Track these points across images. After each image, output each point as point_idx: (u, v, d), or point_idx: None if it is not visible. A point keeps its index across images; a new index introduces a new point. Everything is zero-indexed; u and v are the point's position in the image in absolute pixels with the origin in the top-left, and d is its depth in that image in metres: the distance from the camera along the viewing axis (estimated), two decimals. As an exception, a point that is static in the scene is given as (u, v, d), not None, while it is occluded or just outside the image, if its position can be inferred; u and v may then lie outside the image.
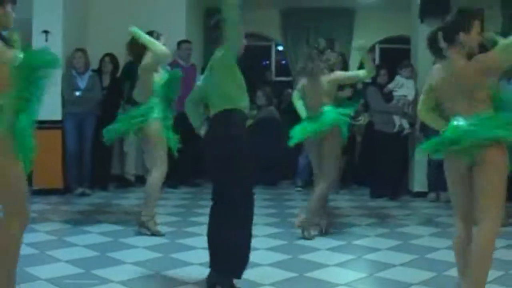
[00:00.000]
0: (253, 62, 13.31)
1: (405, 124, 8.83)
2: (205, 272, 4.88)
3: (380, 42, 13.12)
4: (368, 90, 9.27)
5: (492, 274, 4.50)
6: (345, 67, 9.02)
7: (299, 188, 9.60)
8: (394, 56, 10.69)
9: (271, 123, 9.54)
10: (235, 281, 4.69)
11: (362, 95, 9.16)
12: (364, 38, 12.93)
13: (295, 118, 7.15)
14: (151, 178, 6.56)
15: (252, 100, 10.38)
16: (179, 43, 9.81)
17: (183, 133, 6.86)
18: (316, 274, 5.16)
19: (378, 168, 8.89)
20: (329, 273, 5.20)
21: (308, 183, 9.14)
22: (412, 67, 9.19)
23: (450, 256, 5.27)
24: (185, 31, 10.18)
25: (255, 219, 6.00)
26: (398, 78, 9.05)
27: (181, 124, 6.73)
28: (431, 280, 5.06)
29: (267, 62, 13.65)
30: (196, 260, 5.48)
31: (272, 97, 10.31)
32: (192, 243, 6.09)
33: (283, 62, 13.33)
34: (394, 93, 8.96)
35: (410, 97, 8.88)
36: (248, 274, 4.98)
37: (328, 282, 4.94)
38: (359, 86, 9.37)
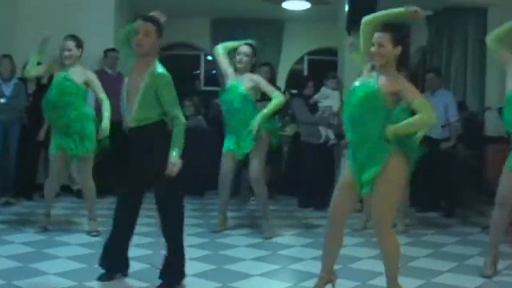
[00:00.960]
0: (182, 72, 13.32)
1: (331, 135, 8.91)
2: (131, 282, 4.87)
3: (309, 53, 13.26)
4: (294, 101, 9.33)
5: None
6: (272, 77, 9.09)
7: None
8: (322, 68, 10.79)
9: (199, 132, 9.52)
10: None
11: (289, 106, 9.23)
12: (293, 49, 13.18)
13: (222, 128, 7.19)
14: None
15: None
16: (106, 52, 9.72)
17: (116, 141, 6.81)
18: (240, 284, 5.16)
19: (305, 178, 8.95)
20: (253, 283, 5.21)
21: (236, 194, 9.20)
22: (338, 78, 9.29)
23: (375, 265, 5.40)
24: (113, 39, 10.09)
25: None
26: (323, 89, 9.13)
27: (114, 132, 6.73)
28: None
29: (197, 71, 13.67)
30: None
31: (200, 106, 10.31)
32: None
33: (213, 71, 13.36)
34: (320, 104, 9.03)
35: (335, 108, 8.95)
36: (172, 284, 5.03)
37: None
38: (287, 97, 9.42)
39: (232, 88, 6.92)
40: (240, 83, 6.93)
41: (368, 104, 4.36)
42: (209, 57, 13.31)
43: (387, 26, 4.49)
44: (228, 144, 7.04)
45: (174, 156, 4.76)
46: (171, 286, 4.96)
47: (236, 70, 7.03)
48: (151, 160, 4.86)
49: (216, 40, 12.76)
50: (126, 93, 4.89)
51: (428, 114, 4.35)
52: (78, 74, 6.73)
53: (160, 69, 4.89)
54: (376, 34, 4.43)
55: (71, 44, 6.73)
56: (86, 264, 5.63)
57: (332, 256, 4.79)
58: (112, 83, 8.88)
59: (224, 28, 12.93)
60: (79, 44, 6.82)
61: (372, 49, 4.41)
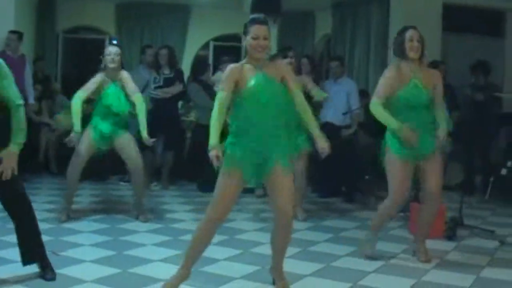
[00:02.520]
0: (88, 55, 13.10)
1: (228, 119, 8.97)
2: (27, 269, 4.80)
3: (214, 39, 13.25)
4: (190, 86, 9.36)
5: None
6: (171, 60, 9.09)
7: (125, 183, 9.52)
8: (227, 53, 10.77)
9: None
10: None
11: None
12: (198, 35, 13.14)
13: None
14: None
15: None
16: (8, 34, 9.49)
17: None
18: (140, 269, 5.15)
19: (207, 164, 8.91)
20: (153, 269, 5.20)
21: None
22: (231, 62, 9.35)
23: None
24: (14, 20, 9.86)
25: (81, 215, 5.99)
26: (218, 73, 9.20)
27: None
28: (255, 273, 5.19)
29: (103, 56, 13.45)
30: (17, 257, 5.30)
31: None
32: (14, 240, 5.90)
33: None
34: (215, 88, 9.08)
35: None
36: (71, 270, 4.96)
37: (151, 278, 4.93)
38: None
39: (113, 92, 6.92)
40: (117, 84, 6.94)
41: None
42: (114, 42, 13.11)
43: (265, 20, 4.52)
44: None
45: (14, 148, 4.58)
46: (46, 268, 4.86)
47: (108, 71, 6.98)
48: None
49: (121, 24, 12.69)
50: None
51: None
52: None
53: None
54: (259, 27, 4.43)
55: None
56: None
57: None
58: (13, 65, 8.68)
59: (129, 13, 12.79)
60: None
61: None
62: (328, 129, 8.53)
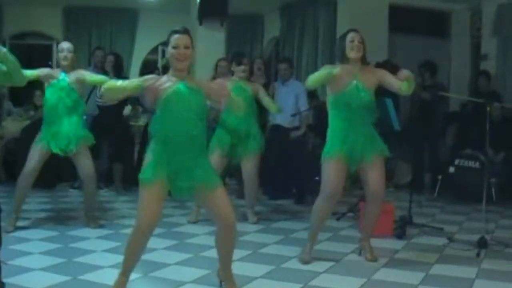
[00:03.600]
0: (35, 62, 12.97)
1: None
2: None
3: (163, 43, 13.21)
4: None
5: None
6: (118, 70, 9.04)
7: (74, 189, 9.44)
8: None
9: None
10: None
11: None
12: (147, 39, 13.10)
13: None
14: None
15: (31, 100, 10.13)
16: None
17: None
18: (90, 276, 5.10)
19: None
20: (103, 275, 5.15)
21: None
22: None
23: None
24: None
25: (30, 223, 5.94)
26: None
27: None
28: (205, 277, 5.18)
29: (50, 62, 13.37)
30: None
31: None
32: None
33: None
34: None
35: None
36: (20, 279, 4.91)
37: (101, 284, 4.89)
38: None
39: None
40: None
41: None
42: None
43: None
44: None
45: None
46: None
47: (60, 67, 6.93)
48: None
49: (68, 30, 12.59)
50: None
51: None
52: None
53: None
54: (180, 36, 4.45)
55: None
56: None
57: None
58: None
59: (77, 17, 12.72)
60: None
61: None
62: (277, 131, 8.59)
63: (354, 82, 5.41)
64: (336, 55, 5.69)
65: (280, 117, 8.60)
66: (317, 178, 9.26)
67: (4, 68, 4.73)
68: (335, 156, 5.45)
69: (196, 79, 4.66)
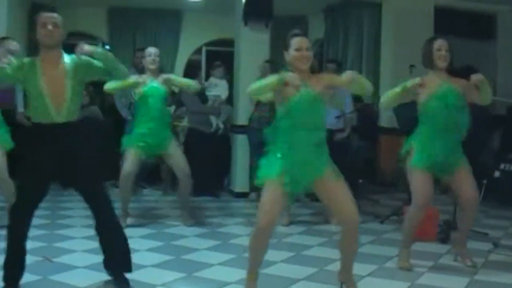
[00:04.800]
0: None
1: (220, 124, 9.03)
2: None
3: (207, 44, 13.25)
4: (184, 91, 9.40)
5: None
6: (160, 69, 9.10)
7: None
8: (219, 58, 10.77)
9: (93, 123, 9.38)
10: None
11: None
12: (191, 40, 13.14)
13: (119, 119, 7.09)
14: None
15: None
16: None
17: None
18: (134, 275, 5.08)
19: (198, 167, 8.94)
20: (147, 274, 5.18)
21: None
22: (223, 67, 9.46)
23: (269, 255, 5.47)
24: (6, 28, 9.83)
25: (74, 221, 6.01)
26: (211, 79, 9.27)
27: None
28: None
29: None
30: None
31: (95, 96, 10.15)
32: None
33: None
34: (208, 93, 9.13)
35: (224, 97, 9.15)
36: (64, 276, 5.05)
37: (145, 283, 4.92)
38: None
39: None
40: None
41: None
42: (107, 47, 13.14)
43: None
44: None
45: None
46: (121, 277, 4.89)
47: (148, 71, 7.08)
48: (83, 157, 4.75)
49: (113, 30, 12.68)
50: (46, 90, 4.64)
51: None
52: None
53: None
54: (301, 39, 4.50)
55: None
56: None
57: None
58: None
59: (121, 18, 12.79)
60: None
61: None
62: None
63: (445, 85, 5.35)
64: (422, 60, 5.58)
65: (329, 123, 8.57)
66: (360, 181, 9.28)
67: (100, 65, 4.80)
68: (423, 166, 5.40)
69: (317, 75, 4.61)
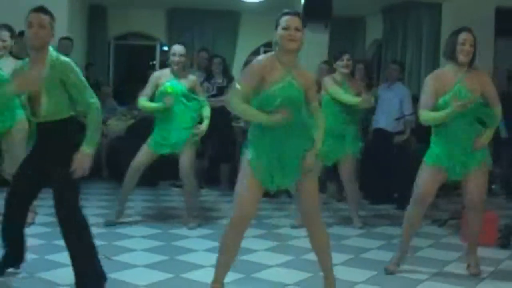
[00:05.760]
0: (139, 61, 13.26)
1: None
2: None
3: (265, 45, 13.26)
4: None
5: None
6: (226, 71, 9.15)
7: (176, 188, 9.60)
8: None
9: (151, 122, 9.46)
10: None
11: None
12: (249, 41, 13.18)
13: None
14: None
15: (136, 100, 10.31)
16: (59, 40, 9.61)
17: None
18: (192, 275, 5.16)
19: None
20: (205, 274, 5.18)
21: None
22: None
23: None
24: (67, 28, 9.99)
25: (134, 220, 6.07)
26: None
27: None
28: (306, 280, 5.16)
29: (153, 62, 13.63)
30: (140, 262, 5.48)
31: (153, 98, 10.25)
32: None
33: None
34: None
35: None
36: (124, 275, 5.04)
37: (203, 283, 4.92)
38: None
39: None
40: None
41: None
42: (165, 48, 13.25)
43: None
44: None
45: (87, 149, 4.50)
46: None
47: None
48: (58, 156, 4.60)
49: (171, 30, 12.78)
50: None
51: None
52: (9, 65, 6.42)
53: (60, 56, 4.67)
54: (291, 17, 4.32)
55: (6, 34, 6.58)
56: (38, 255, 5.56)
57: None
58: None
59: (180, 19, 12.89)
60: (13, 34, 6.66)
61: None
62: (380, 135, 8.51)
63: (457, 86, 5.22)
64: (443, 51, 5.48)
65: (384, 121, 8.53)
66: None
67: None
68: (434, 163, 5.33)
69: (303, 70, 4.48)
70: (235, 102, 4.25)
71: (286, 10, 4.37)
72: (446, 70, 5.35)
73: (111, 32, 12.99)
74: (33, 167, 4.67)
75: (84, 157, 4.45)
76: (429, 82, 5.33)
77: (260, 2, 11.31)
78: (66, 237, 4.53)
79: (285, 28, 4.26)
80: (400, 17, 11.72)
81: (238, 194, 4.33)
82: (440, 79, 5.30)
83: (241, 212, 4.32)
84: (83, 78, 4.67)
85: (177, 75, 6.96)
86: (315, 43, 9.26)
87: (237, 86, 4.30)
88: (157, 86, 6.95)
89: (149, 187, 9.39)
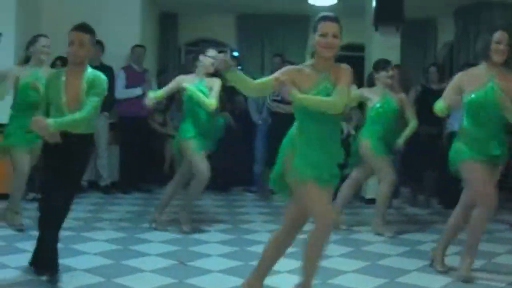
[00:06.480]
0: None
1: (351, 130, 9.02)
2: (158, 279, 4.92)
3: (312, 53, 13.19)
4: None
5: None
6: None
7: (250, 193, 9.66)
8: (348, 63, 10.71)
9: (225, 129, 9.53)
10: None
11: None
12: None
13: (250, 125, 7.15)
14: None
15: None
16: (133, 48, 9.76)
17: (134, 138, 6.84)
18: (268, 280, 5.11)
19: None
20: (281, 280, 5.19)
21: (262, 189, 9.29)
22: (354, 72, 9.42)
23: (402, 263, 5.40)
24: (139, 35, 10.13)
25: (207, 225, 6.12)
26: None
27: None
28: (383, 286, 5.11)
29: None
30: (148, 266, 5.47)
31: (226, 102, 10.30)
32: (144, 250, 6.06)
33: (238, 67, 13.35)
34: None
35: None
36: (200, 280, 5.06)
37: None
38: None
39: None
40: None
41: None
42: (235, 53, 13.30)
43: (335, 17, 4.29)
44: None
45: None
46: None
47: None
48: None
49: (241, 36, 12.82)
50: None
51: (337, 100, 4.17)
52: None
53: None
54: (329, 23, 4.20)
55: (48, 41, 6.71)
56: (114, 260, 5.64)
57: None
58: (137, 78, 9.06)
59: (250, 24, 12.94)
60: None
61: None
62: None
63: (490, 84, 5.12)
64: (476, 50, 5.40)
65: (458, 125, 8.39)
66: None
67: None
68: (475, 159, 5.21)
69: (340, 67, 4.32)
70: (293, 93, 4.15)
71: (324, 14, 4.26)
72: (478, 68, 5.28)
73: (182, 39, 13.11)
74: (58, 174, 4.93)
75: (44, 121, 4.69)
76: (456, 77, 5.36)
77: (331, 6, 11.26)
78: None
79: (322, 35, 4.16)
80: (472, 18, 11.51)
81: (320, 210, 4.18)
82: (469, 75, 5.27)
83: (332, 221, 4.26)
84: (104, 93, 5.05)
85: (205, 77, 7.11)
86: (386, 47, 9.17)
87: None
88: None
89: (221, 192, 9.45)
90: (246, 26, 12.99)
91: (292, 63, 9.54)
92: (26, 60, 6.66)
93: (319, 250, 4.29)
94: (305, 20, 12.86)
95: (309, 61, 4.33)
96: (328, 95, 4.15)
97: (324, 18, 4.21)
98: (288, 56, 11.41)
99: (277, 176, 4.40)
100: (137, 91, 9.17)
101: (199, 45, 13.64)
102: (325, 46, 4.15)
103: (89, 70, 5.02)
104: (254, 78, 4.32)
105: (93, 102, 4.90)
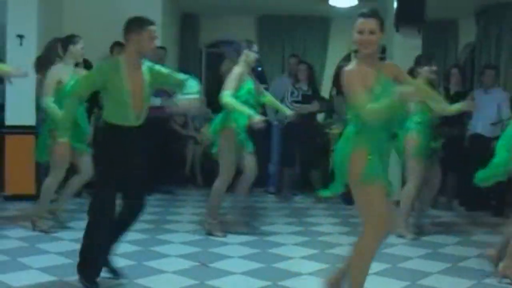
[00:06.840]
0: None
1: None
2: (179, 280, 4.93)
3: (356, 50, 13.15)
4: (337, 98, 9.35)
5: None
6: (311, 79, 9.17)
7: (272, 195, 9.68)
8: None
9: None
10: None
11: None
12: (340, 47, 13.10)
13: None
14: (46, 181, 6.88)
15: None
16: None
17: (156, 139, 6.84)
18: (289, 283, 5.15)
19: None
20: (302, 282, 5.19)
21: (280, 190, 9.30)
22: None
23: (424, 265, 5.37)
24: (161, 36, 10.13)
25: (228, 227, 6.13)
26: None
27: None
28: None
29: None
30: (170, 268, 5.48)
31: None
32: (165, 251, 6.08)
33: (259, 69, 13.34)
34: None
35: None
36: (222, 282, 5.08)
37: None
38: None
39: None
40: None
41: None
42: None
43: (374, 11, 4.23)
44: None
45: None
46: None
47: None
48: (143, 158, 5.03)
49: (262, 38, 12.82)
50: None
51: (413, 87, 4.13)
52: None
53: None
54: (365, 20, 4.14)
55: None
56: (136, 261, 5.67)
57: None
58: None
59: (270, 26, 12.93)
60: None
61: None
62: (477, 140, 8.33)
63: None
64: None
65: (481, 126, 8.37)
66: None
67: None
68: None
69: (386, 63, 4.38)
70: (369, 109, 3.97)
71: (362, 11, 4.22)
72: None
73: (202, 40, 13.13)
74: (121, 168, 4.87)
75: None
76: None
77: (351, 7, 11.24)
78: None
79: (359, 32, 4.15)
80: (494, 19, 11.44)
81: (377, 214, 4.08)
82: None
83: (387, 228, 4.21)
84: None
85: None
86: (408, 48, 9.12)
87: (357, 96, 4.05)
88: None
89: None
90: (267, 27, 12.97)
91: (308, 64, 9.61)
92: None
93: (369, 257, 4.21)
94: (325, 21, 12.87)
95: (355, 60, 4.29)
96: (390, 88, 4.05)
97: (361, 15, 4.18)
98: (308, 58, 11.42)
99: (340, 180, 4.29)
100: (156, 101, 9.18)
101: (220, 47, 13.74)
102: (362, 43, 4.15)
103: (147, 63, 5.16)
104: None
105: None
